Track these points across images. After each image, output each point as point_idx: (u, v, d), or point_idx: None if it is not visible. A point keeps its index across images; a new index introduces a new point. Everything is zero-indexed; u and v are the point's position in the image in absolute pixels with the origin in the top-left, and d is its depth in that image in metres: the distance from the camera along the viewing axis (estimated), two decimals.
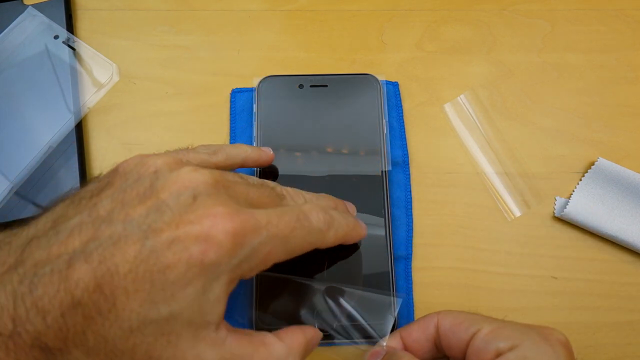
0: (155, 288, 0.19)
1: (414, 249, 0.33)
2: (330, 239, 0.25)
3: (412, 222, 0.34)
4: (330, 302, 0.30)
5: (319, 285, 0.30)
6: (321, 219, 0.24)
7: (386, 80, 0.37)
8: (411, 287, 0.32)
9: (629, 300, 0.32)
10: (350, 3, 0.40)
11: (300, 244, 0.23)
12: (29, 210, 0.33)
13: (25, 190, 0.33)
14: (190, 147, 0.27)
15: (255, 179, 0.27)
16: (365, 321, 0.29)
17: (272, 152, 0.31)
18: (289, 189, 0.27)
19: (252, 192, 0.23)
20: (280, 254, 0.22)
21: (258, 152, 0.30)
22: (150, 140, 0.36)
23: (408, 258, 0.33)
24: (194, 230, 0.19)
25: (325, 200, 0.28)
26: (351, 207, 0.31)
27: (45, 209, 0.22)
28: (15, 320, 0.18)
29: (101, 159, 0.35)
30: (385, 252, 0.31)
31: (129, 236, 0.19)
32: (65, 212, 0.21)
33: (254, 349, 0.22)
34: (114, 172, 0.23)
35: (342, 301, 0.30)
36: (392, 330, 0.29)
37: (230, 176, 0.24)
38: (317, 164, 0.33)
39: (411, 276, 0.32)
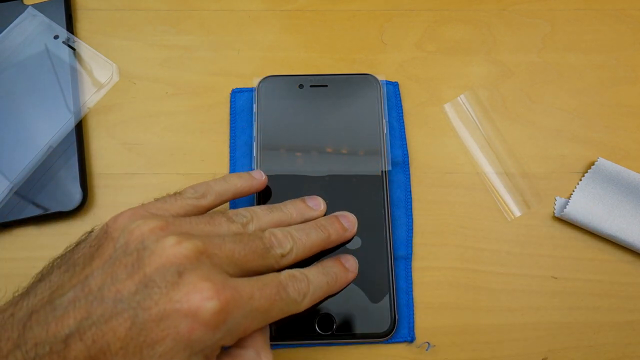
0: None
1: (414, 249, 0.33)
2: (304, 306, 0.26)
3: (412, 222, 0.34)
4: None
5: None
6: (296, 290, 0.25)
7: (386, 80, 0.37)
8: (411, 287, 0.32)
9: (629, 300, 0.32)
10: (350, 3, 0.40)
11: (278, 314, 0.24)
12: (29, 210, 0.33)
13: (25, 190, 0.33)
14: (177, 192, 0.27)
15: (243, 215, 0.27)
16: None
17: (264, 177, 0.31)
18: (277, 233, 0.26)
19: (238, 250, 0.24)
20: (259, 325, 0.24)
21: (249, 182, 0.30)
22: (150, 140, 0.36)
23: (408, 258, 0.33)
24: (181, 308, 0.21)
25: (315, 233, 0.28)
26: (349, 221, 0.30)
27: (42, 272, 0.24)
28: None
29: (101, 159, 0.35)
30: (385, 252, 0.31)
31: (119, 314, 0.21)
32: (61, 282, 0.23)
33: None
34: (104, 234, 0.24)
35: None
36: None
37: (216, 228, 0.25)
38: (317, 164, 0.33)
39: (411, 276, 0.32)
